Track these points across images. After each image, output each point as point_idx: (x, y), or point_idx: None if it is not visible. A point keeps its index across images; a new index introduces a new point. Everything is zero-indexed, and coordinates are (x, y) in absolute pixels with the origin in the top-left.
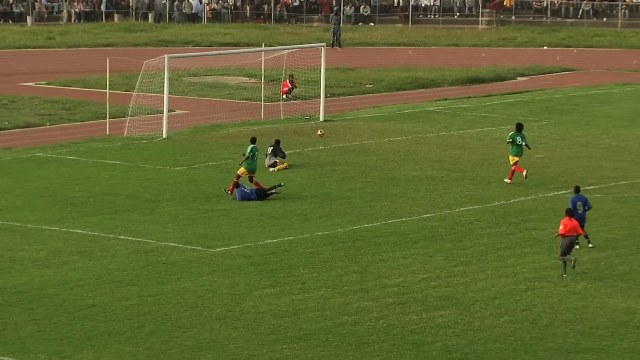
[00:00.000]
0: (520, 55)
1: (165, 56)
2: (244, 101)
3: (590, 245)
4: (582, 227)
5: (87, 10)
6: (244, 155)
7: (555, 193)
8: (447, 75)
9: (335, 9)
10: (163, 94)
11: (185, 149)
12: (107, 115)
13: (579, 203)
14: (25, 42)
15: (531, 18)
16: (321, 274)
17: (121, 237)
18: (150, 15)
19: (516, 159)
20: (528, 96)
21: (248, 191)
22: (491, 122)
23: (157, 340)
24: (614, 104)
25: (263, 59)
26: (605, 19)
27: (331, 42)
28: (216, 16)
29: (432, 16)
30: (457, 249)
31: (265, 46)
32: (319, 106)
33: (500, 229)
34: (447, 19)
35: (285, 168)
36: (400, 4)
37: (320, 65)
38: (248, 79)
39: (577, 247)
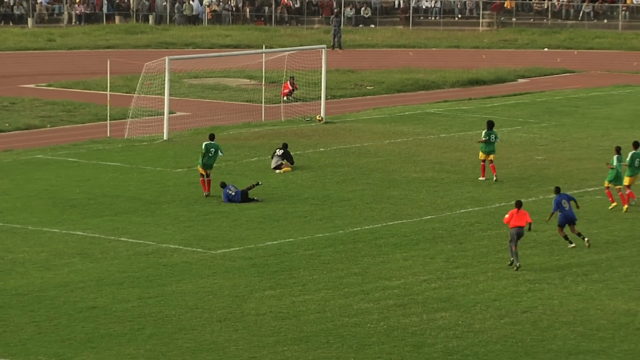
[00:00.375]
0: (520, 57)
1: (166, 58)
2: (244, 103)
3: (572, 245)
4: (573, 222)
5: (87, 12)
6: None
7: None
8: (447, 77)
9: (335, 10)
10: (164, 95)
11: (185, 150)
12: (108, 117)
13: (563, 201)
14: (25, 44)
15: (532, 20)
16: (322, 275)
17: (122, 239)
18: (150, 17)
19: (487, 156)
20: (529, 98)
21: (233, 193)
22: None
23: (157, 342)
24: (615, 106)
25: (264, 60)
26: (605, 21)
27: (332, 43)
28: (217, 18)
29: (433, 18)
30: (457, 251)
31: (265, 48)
32: (320, 108)
33: (500, 230)
34: (447, 20)
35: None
36: (401, 6)
37: (321, 67)
38: (249, 80)
39: (572, 245)
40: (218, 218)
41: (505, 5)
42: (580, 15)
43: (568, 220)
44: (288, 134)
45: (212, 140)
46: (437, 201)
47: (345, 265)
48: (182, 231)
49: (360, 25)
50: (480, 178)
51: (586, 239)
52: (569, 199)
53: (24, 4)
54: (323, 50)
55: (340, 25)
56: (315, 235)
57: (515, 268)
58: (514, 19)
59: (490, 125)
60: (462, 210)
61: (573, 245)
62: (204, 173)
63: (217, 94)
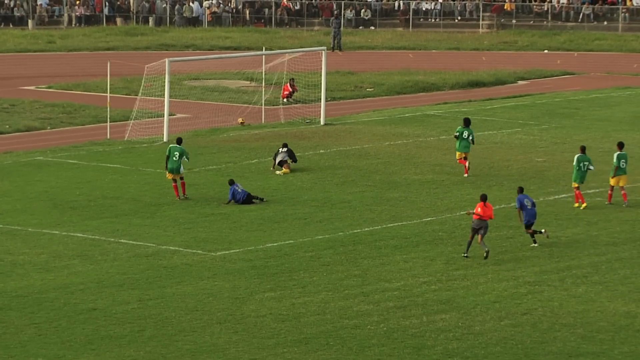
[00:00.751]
0: (520, 59)
1: (166, 60)
2: (244, 105)
3: (535, 244)
4: (532, 222)
5: (87, 14)
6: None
7: (556, 197)
8: (447, 78)
9: (335, 12)
10: (164, 97)
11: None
12: (108, 119)
13: (526, 200)
14: (26, 46)
15: (532, 22)
16: (322, 277)
17: (122, 240)
18: (151, 19)
19: (462, 154)
20: (529, 100)
21: (240, 190)
22: (492, 126)
23: (157, 344)
24: (615, 108)
25: (264, 62)
26: (605, 23)
27: (332, 45)
28: (217, 20)
29: (433, 20)
30: (457, 253)
31: (265, 50)
32: (320, 110)
33: (500, 232)
34: (447, 22)
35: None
36: (401, 8)
37: (321, 68)
38: (249, 82)
39: (546, 236)
40: (218, 220)
41: (505, 7)
42: (580, 17)
43: (530, 218)
44: (288, 135)
45: (179, 144)
46: (437, 203)
47: (345, 267)
48: (182, 233)
49: (360, 27)
50: (465, 175)
51: (543, 230)
52: (530, 199)
53: (24, 5)
54: (323, 52)
55: (340, 27)
56: (315, 237)
57: (484, 257)
58: (514, 21)
59: (467, 122)
60: (462, 212)
61: (536, 244)
62: (172, 178)
63: (217, 95)
